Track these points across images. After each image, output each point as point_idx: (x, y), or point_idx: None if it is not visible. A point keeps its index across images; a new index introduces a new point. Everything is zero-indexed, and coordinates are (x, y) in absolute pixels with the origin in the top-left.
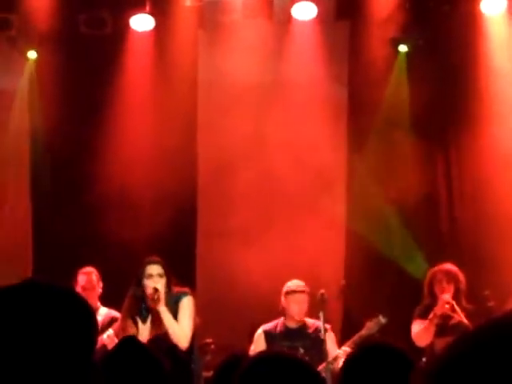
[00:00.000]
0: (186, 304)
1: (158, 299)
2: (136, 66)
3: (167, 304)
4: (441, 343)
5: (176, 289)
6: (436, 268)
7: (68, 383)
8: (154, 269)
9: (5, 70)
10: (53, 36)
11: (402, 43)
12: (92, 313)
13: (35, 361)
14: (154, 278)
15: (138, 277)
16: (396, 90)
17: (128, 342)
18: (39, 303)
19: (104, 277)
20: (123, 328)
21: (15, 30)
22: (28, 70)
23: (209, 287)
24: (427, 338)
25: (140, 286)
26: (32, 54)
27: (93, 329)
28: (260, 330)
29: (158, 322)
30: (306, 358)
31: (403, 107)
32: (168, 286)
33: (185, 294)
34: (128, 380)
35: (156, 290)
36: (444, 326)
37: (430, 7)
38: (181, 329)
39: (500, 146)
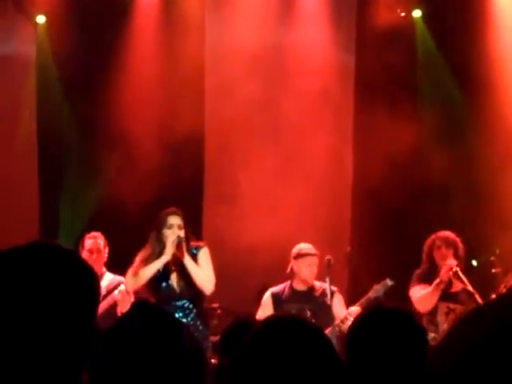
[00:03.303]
0: (204, 254)
1: (183, 246)
2: (143, 32)
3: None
4: (443, 308)
5: (191, 242)
6: (434, 235)
7: (68, 345)
8: (175, 219)
9: (11, 35)
10: (60, 1)
11: (416, 8)
12: (94, 275)
13: (35, 321)
14: (175, 229)
15: (159, 226)
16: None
17: (143, 306)
18: (42, 264)
19: (109, 241)
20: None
21: None
22: (33, 34)
23: (215, 251)
24: (430, 304)
25: (160, 234)
26: (41, 19)
27: (94, 291)
28: (268, 293)
29: (179, 271)
30: (313, 321)
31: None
32: (186, 237)
33: (201, 246)
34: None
35: (180, 237)
36: (446, 292)
37: None
38: (204, 273)
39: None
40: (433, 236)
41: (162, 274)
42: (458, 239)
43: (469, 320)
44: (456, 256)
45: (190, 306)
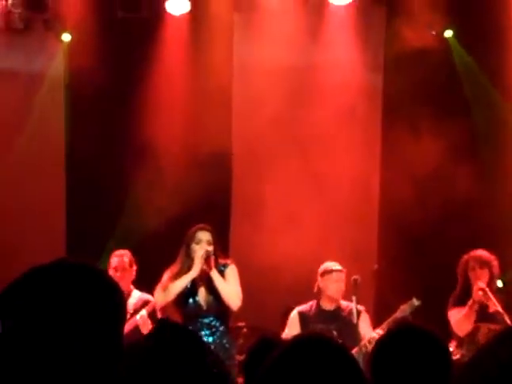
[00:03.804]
0: (232, 271)
1: (211, 260)
2: (172, 49)
3: None
4: (484, 329)
5: (220, 260)
6: (468, 255)
7: (94, 363)
8: (204, 235)
9: (40, 53)
10: (89, 19)
11: (447, 29)
12: (119, 292)
13: (60, 339)
14: (203, 244)
15: (188, 242)
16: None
17: (167, 325)
18: (67, 282)
19: (136, 258)
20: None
21: (51, 12)
22: (61, 52)
23: (241, 269)
24: (468, 326)
25: (189, 249)
26: (66, 37)
27: (120, 309)
28: (295, 312)
29: (207, 286)
30: (340, 341)
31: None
32: (215, 254)
33: (228, 264)
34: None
35: (208, 251)
36: (484, 313)
37: None
38: (232, 289)
39: None
40: (466, 256)
41: (190, 290)
42: (492, 257)
43: (499, 339)
44: (491, 275)
45: (217, 323)
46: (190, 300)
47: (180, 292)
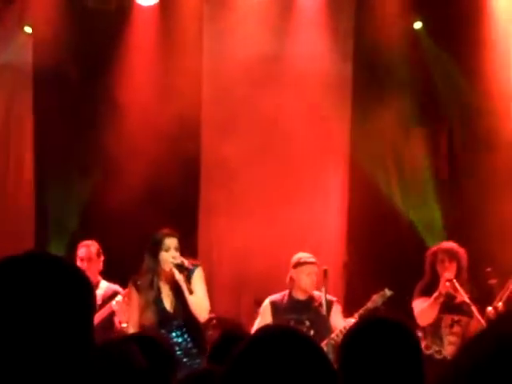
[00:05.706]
0: (199, 276)
1: (185, 270)
2: (141, 40)
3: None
4: (447, 320)
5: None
6: (436, 247)
7: (63, 356)
8: (172, 242)
9: (9, 44)
10: (58, 10)
11: (417, 20)
12: (89, 285)
13: (30, 331)
14: (172, 251)
15: (154, 249)
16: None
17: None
18: (35, 274)
19: (104, 251)
20: (131, 299)
21: (20, 3)
22: (30, 43)
23: (210, 262)
24: (430, 317)
25: (156, 258)
26: (30, 29)
27: (89, 300)
28: (267, 302)
29: (176, 296)
30: (312, 332)
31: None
32: (183, 263)
33: (195, 265)
34: None
35: (183, 262)
36: (449, 304)
37: None
38: (200, 301)
39: None
40: (434, 248)
41: (157, 298)
42: (460, 250)
43: (476, 340)
44: (459, 267)
45: (185, 327)
46: (157, 308)
47: (148, 299)
